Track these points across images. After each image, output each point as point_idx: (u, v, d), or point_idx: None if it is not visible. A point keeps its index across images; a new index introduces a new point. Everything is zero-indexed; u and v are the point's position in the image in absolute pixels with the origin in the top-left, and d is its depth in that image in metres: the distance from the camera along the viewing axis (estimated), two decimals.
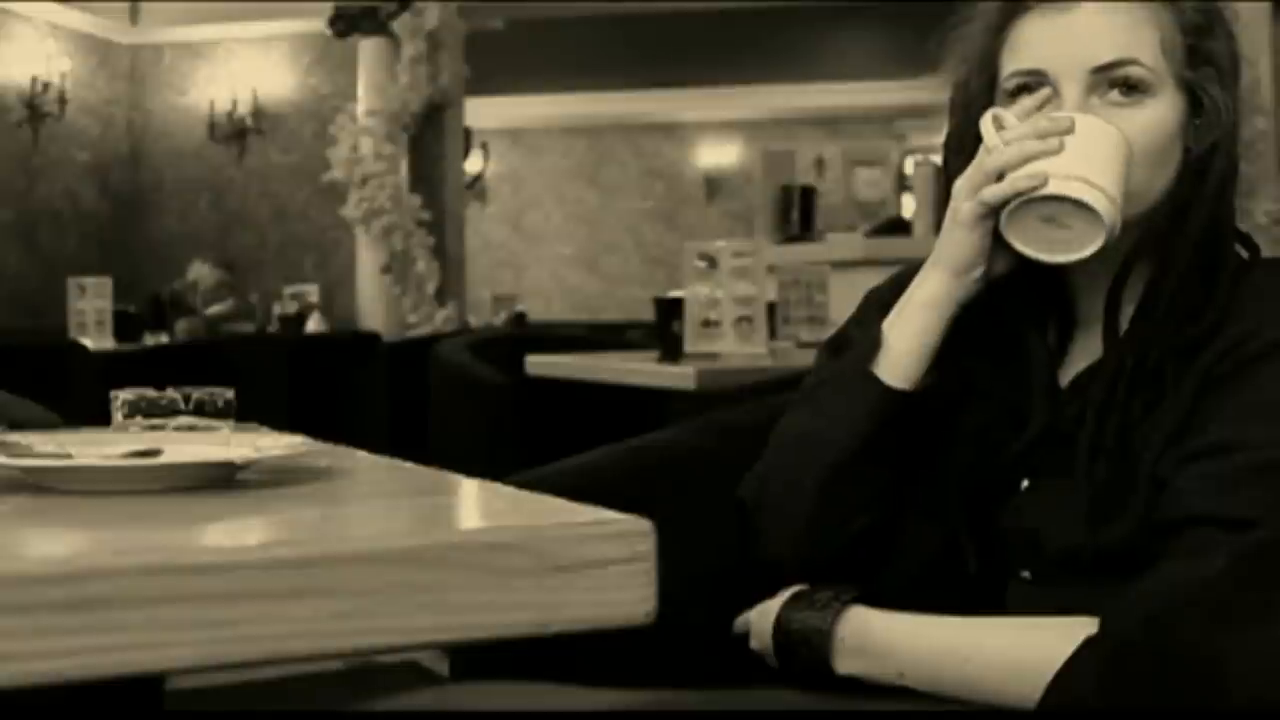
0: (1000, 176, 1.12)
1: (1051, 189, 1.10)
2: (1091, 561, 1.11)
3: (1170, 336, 1.12)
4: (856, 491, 1.19)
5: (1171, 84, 1.15)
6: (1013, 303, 1.21)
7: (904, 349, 1.19)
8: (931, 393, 1.20)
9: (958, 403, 1.21)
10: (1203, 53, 1.16)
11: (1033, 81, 1.16)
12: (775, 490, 1.23)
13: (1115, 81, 1.14)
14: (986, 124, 1.15)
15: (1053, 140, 1.10)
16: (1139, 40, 1.14)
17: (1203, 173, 1.15)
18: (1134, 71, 1.14)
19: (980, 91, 1.21)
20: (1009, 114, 1.15)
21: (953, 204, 1.17)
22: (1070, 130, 1.11)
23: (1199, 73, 1.16)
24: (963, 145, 1.22)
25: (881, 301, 1.28)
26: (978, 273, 1.17)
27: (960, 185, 1.16)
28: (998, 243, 1.15)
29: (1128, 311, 1.16)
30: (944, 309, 1.18)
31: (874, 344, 1.20)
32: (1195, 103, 1.16)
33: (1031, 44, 1.17)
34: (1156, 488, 1.09)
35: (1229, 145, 1.16)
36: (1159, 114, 1.14)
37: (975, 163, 1.15)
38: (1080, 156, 1.10)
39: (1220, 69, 1.16)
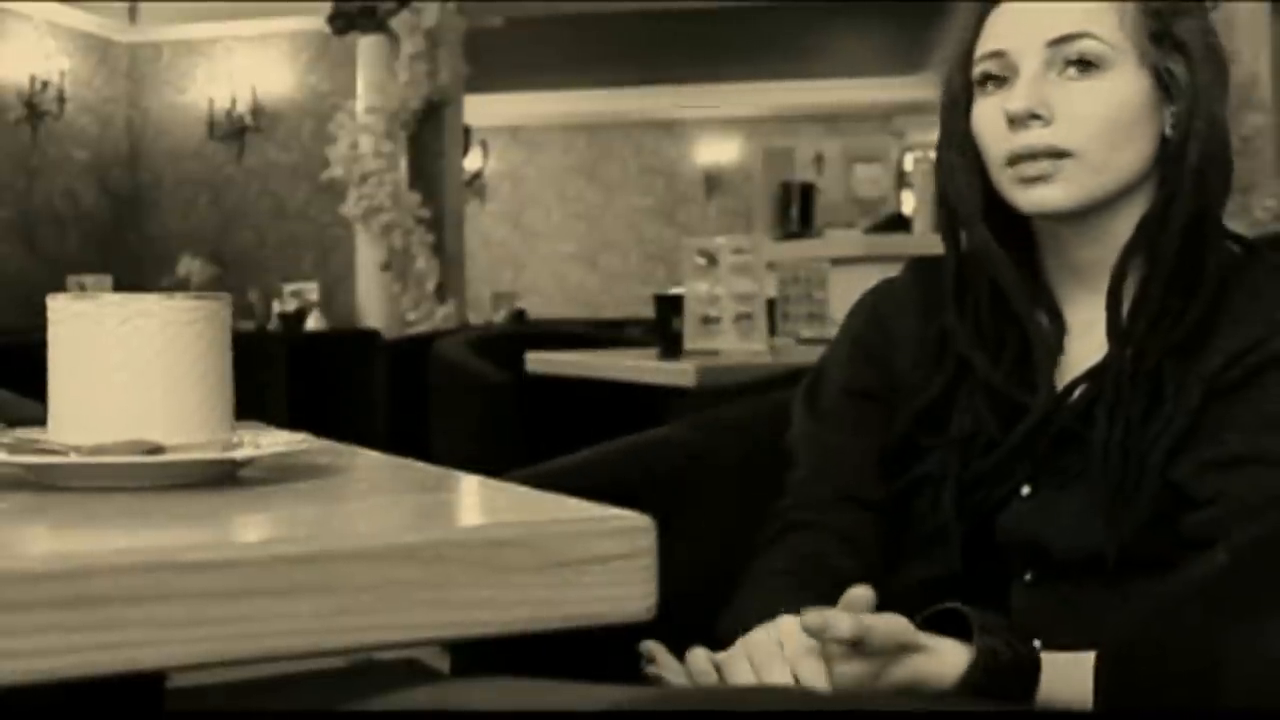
0: None
1: None
2: (1097, 564, 1.11)
3: (1167, 334, 1.13)
4: None
5: (1133, 60, 1.16)
6: (1011, 298, 1.21)
7: None
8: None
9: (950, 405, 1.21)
10: (1170, 37, 1.17)
11: (995, 68, 1.19)
12: None
13: (1071, 55, 1.16)
14: None
15: None
16: (1097, 16, 1.16)
17: (1179, 160, 1.16)
18: (1089, 45, 1.16)
19: (962, 88, 1.23)
20: None
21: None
22: None
23: (1165, 56, 1.17)
24: (952, 142, 1.24)
25: (866, 343, 1.29)
26: None
27: None
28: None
29: (1124, 308, 1.17)
30: None
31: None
32: (1164, 88, 1.17)
33: (997, 29, 1.20)
34: (1170, 490, 1.09)
35: (1207, 132, 1.16)
36: (1117, 87, 1.16)
37: None
38: None
39: (1190, 56, 1.17)
